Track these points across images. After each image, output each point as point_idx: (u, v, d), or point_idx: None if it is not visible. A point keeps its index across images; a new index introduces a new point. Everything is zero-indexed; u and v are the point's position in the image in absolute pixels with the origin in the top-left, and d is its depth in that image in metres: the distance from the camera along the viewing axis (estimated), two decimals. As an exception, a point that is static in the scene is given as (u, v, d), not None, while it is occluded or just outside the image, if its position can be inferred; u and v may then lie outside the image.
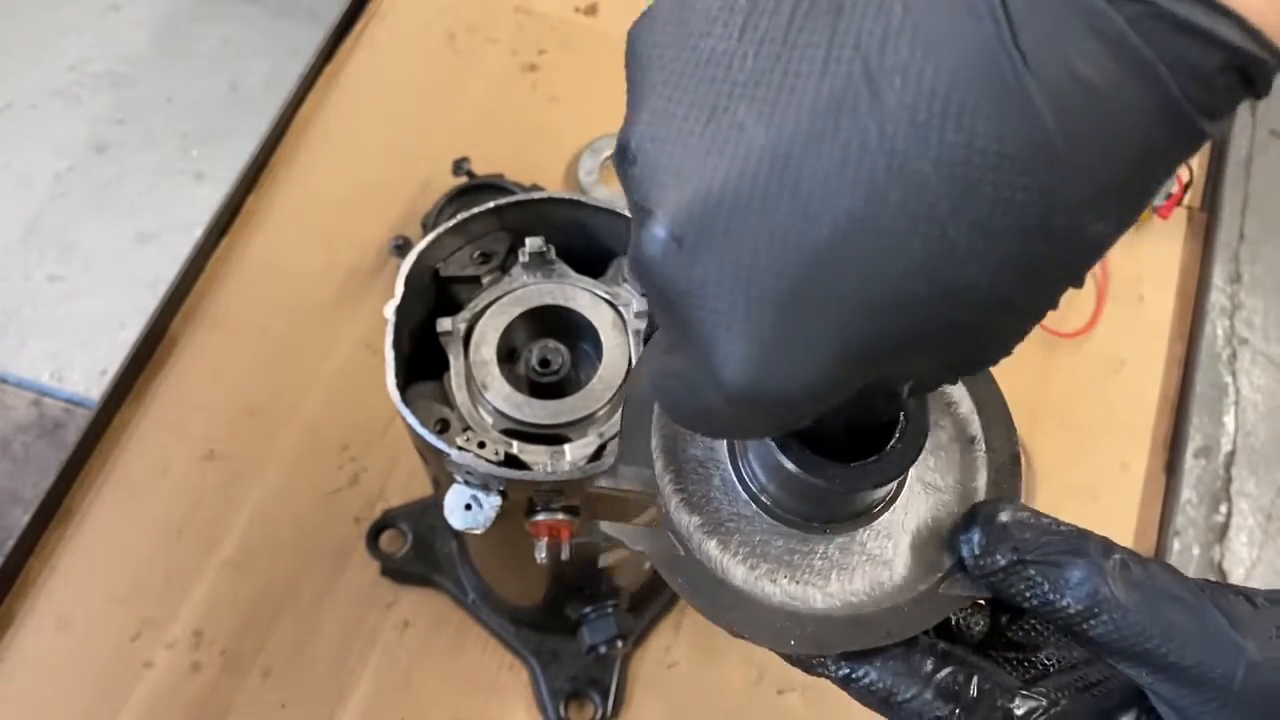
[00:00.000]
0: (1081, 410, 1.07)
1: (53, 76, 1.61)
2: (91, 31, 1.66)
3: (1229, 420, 1.10)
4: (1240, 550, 1.05)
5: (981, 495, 0.43)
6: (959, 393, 0.45)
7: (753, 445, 0.42)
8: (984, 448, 0.44)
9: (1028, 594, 0.38)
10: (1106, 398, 1.08)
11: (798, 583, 0.42)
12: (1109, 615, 0.36)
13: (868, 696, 0.41)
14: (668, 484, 0.43)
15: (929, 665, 0.40)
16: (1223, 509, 1.06)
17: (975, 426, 0.45)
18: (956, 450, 0.44)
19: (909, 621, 0.41)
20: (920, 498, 0.43)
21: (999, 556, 0.38)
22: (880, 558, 0.42)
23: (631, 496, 0.43)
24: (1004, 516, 0.39)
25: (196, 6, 1.69)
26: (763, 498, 0.43)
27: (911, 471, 0.43)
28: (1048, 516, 0.39)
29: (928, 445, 0.42)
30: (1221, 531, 1.05)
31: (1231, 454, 1.09)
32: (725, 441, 0.44)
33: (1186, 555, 1.03)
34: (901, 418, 0.40)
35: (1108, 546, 0.38)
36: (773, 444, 0.40)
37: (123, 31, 1.66)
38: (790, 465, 0.39)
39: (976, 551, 0.39)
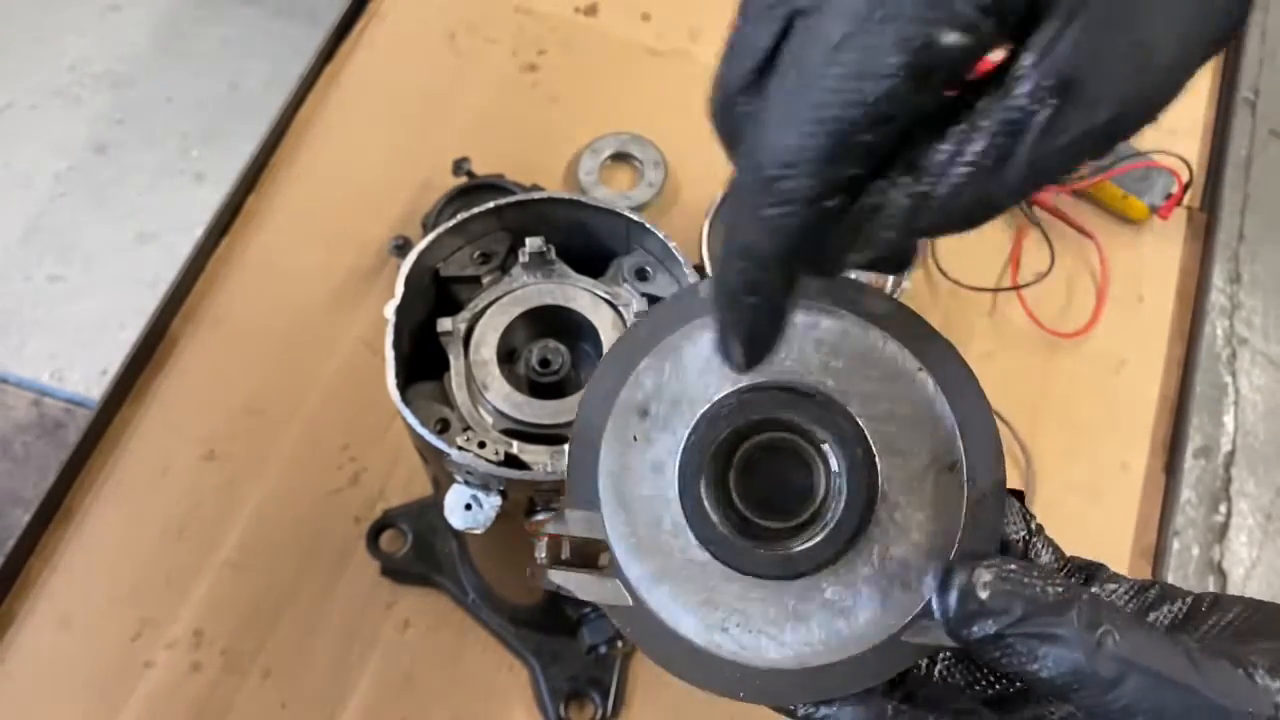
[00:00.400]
0: (1081, 410, 1.07)
1: (53, 76, 1.61)
2: (91, 31, 1.66)
3: (1229, 420, 1.10)
4: (1240, 550, 1.05)
5: (958, 533, 0.41)
6: (942, 408, 0.42)
7: (693, 506, 0.41)
8: (964, 475, 0.41)
9: (1003, 661, 0.36)
10: (1106, 398, 1.08)
11: (750, 632, 0.40)
12: (1089, 691, 0.35)
13: None
14: (619, 525, 0.42)
15: (889, 711, 0.40)
16: (1222, 509, 1.06)
17: (957, 450, 0.41)
18: (931, 479, 0.41)
19: (867, 673, 0.39)
20: (887, 536, 0.40)
21: (977, 629, 0.36)
22: (839, 604, 0.40)
23: (579, 543, 0.42)
24: (983, 590, 0.36)
25: (196, 7, 1.70)
26: (713, 544, 0.41)
27: (879, 508, 0.41)
28: (1032, 574, 0.37)
29: (898, 476, 0.41)
30: (1221, 531, 1.05)
31: (1231, 454, 1.09)
32: (676, 480, 0.42)
33: (1186, 555, 1.03)
34: (843, 484, 0.40)
35: (1094, 614, 0.36)
36: (698, 518, 0.40)
37: (123, 31, 1.66)
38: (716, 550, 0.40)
39: (953, 621, 0.37)
